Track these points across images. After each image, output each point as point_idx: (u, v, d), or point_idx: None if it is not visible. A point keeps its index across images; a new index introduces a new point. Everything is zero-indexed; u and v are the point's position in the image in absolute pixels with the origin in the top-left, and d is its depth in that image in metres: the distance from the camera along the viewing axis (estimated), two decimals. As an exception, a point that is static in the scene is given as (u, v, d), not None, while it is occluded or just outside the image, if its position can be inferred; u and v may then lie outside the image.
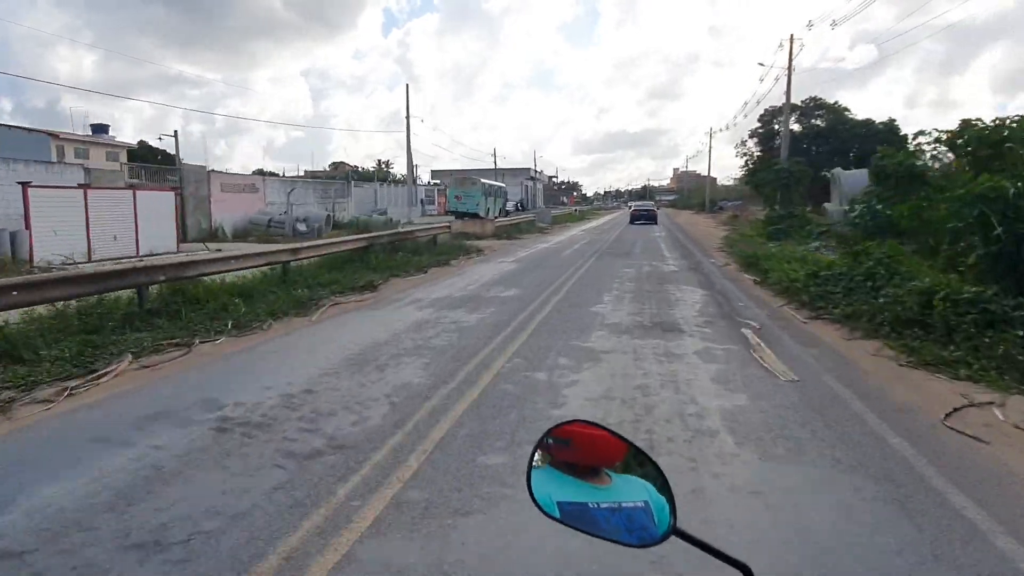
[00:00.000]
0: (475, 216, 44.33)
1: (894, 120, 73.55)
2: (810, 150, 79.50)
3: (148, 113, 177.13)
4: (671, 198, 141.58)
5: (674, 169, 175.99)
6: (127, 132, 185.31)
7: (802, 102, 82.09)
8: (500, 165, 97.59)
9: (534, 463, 1.10)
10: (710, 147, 70.52)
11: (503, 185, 56.98)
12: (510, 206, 65.60)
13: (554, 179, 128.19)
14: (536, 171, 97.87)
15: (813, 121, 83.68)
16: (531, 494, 1.06)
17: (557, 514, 1.03)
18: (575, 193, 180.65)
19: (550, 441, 1.10)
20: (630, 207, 64.09)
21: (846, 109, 79.05)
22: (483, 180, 48.73)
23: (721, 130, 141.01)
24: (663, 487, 1.05)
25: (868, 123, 74.77)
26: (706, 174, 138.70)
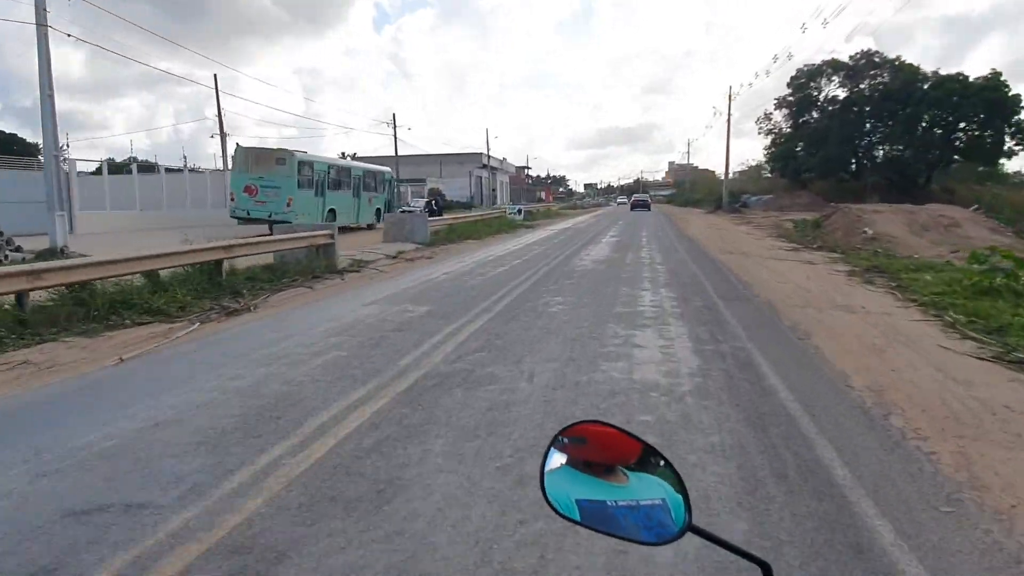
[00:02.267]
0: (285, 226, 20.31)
1: (999, 74, 49.31)
2: (862, 121, 54.92)
3: (138, 111, 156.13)
4: (667, 193, 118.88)
5: (669, 162, 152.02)
6: (118, 130, 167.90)
7: (851, 58, 57.83)
8: (448, 151, 73.35)
9: (550, 466, 1.05)
10: (729, 115, 46.62)
11: (383, 169, 32.51)
12: (417, 203, 41.58)
13: (527, 170, 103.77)
14: (494, 158, 73.62)
15: (864, 85, 59.30)
16: (545, 496, 1.03)
17: (576, 513, 1.00)
18: (563, 188, 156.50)
19: (565, 440, 1.06)
20: (618, 203, 62.50)
21: (913, 66, 54.86)
22: (302, 155, 24.76)
23: (751, 83, 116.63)
24: (677, 484, 1.01)
25: (960, 79, 50.38)
26: (707, 167, 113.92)
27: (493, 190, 76.63)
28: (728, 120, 46.46)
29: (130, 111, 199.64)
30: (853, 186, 52.72)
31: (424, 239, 20.79)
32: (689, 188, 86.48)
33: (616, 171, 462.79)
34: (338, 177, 26.13)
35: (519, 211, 36.64)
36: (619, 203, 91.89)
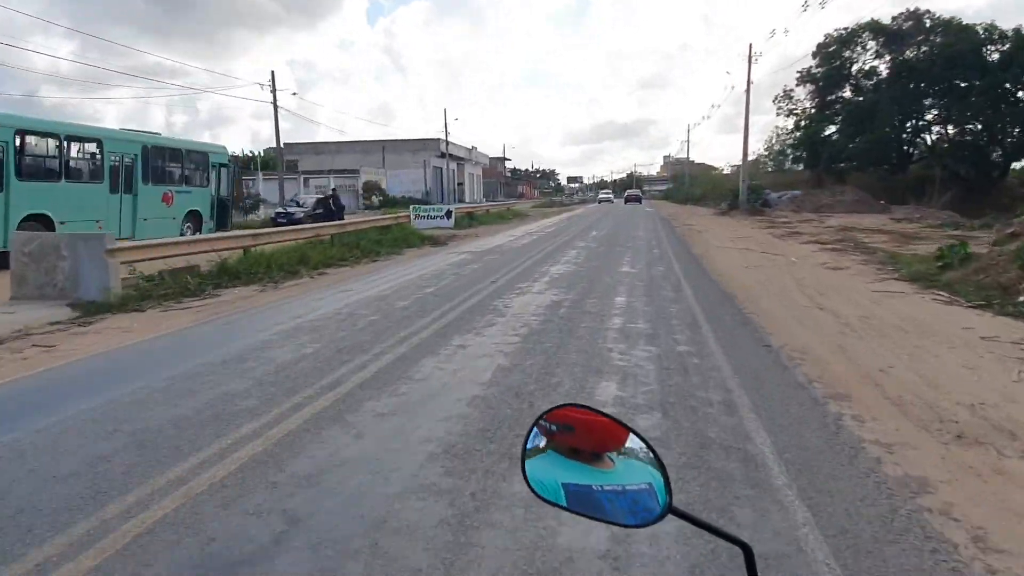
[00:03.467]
0: None
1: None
2: (919, 95, 40.83)
3: (130, 104, 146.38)
4: (663, 187, 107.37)
5: (664, 156, 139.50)
6: (110, 123, 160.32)
7: (893, 19, 45.34)
8: (399, 136, 60.94)
9: (535, 450, 1.02)
10: (748, 84, 34.15)
11: (204, 147, 20.11)
12: (305, 203, 29.29)
13: (504, 161, 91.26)
14: (459, 146, 61.31)
15: (912, 53, 46.69)
16: (527, 481, 0.99)
17: (562, 498, 0.97)
18: (553, 183, 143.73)
19: (553, 428, 1.02)
20: (600, 199, 60.00)
21: (974, 27, 42.22)
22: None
23: (786, 29, 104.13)
24: (658, 467, 0.99)
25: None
26: (702, 162, 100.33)
27: (460, 184, 64.37)
28: (748, 89, 34.14)
29: (121, 103, 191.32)
30: (906, 179, 40.70)
31: (99, 290, 8.67)
32: (689, 183, 74.26)
33: (611, 166, 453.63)
34: (55, 153, 13.91)
35: (447, 214, 24.34)
36: (601, 199, 73.96)
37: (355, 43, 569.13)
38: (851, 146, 38.11)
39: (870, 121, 39.05)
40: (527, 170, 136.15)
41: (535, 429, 1.02)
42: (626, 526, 0.97)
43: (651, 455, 0.98)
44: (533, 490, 0.98)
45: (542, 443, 1.01)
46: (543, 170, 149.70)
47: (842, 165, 40.67)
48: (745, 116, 34.05)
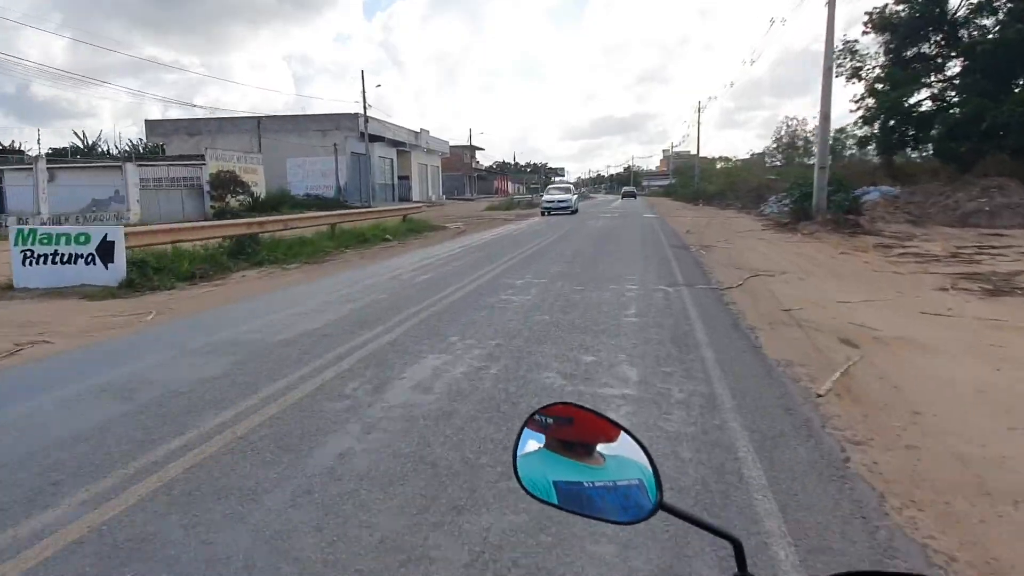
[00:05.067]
0: None
1: None
2: None
3: (125, 100, 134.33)
4: (663, 183, 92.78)
5: (663, 151, 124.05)
6: (104, 120, 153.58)
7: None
8: (318, 110, 45.34)
9: (524, 449, 1.01)
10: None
11: None
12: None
13: (472, 151, 75.23)
14: (402, 128, 45.56)
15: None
16: (518, 478, 0.99)
17: (553, 496, 0.97)
18: (551, 178, 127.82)
19: (548, 420, 1.02)
20: (544, 205, 34.68)
21: None
22: None
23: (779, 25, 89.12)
24: (648, 464, 0.98)
25: None
26: (703, 155, 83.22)
27: (403, 177, 48.58)
28: (831, 15, 18.48)
29: (116, 98, 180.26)
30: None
31: None
32: (699, 180, 58.40)
33: (609, 160, 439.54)
34: None
35: (99, 250, 8.67)
36: (550, 207, 33.43)
37: (351, 37, 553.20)
38: (994, 113, 22.25)
39: (1013, 74, 23.47)
40: (516, 163, 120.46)
41: (527, 428, 1.01)
42: (617, 523, 0.97)
43: (642, 452, 0.97)
44: (525, 488, 0.98)
45: (534, 442, 1.00)
46: (534, 164, 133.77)
47: (965, 146, 24.75)
48: (827, 45, 18.37)
